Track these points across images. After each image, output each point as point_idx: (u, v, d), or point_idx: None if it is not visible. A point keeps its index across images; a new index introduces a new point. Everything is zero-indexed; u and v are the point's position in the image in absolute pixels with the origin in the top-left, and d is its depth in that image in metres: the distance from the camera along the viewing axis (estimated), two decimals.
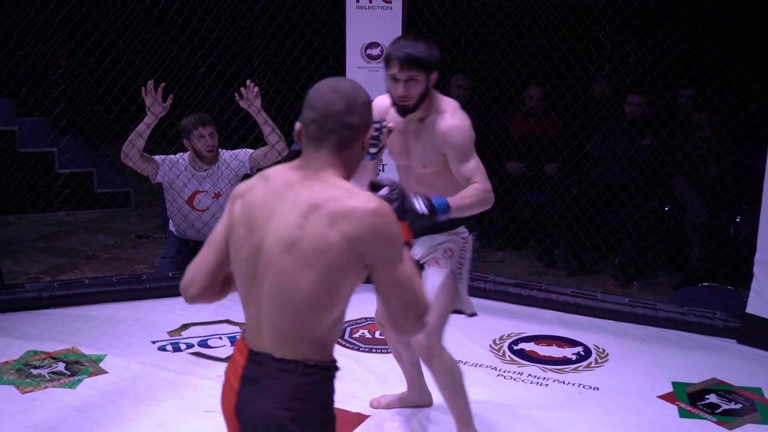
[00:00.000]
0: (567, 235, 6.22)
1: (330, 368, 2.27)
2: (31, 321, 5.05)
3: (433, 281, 3.56)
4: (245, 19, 6.23)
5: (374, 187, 2.47)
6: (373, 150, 2.90)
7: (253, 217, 2.23)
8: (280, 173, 2.26)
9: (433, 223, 3.16)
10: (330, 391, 2.27)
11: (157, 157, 5.48)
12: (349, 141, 2.25)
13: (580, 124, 6.49)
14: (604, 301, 5.32)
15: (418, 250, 3.59)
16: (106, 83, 6.02)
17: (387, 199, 2.38)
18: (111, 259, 6.59)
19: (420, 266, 3.58)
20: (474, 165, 3.40)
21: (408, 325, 2.25)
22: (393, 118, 3.43)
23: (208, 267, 2.37)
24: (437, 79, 3.42)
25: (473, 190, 3.35)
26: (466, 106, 6.67)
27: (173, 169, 5.47)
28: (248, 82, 5.37)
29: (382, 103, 3.52)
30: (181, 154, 5.56)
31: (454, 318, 5.24)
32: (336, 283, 2.17)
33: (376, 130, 2.96)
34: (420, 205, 3.08)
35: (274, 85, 6.00)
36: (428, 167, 3.48)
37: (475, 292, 5.53)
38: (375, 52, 5.58)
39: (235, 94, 5.38)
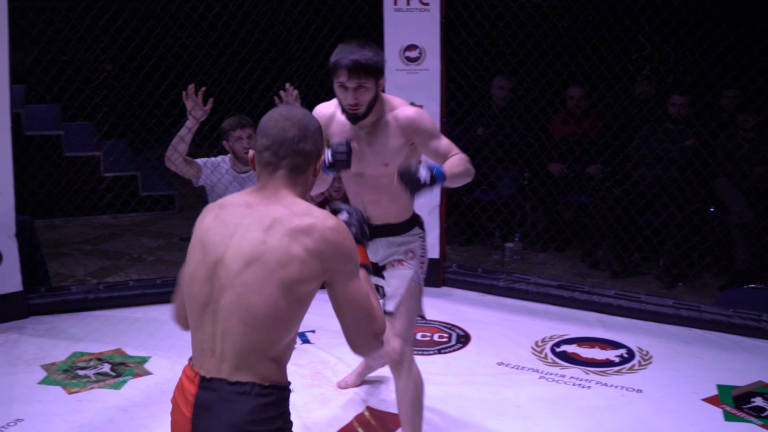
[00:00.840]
0: (610, 237, 6.18)
1: (284, 388, 2.26)
2: (77, 323, 5.13)
3: (399, 282, 3.51)
4: (284, 23, 6.26)
5: (332, 212, 2.48)
6: (343, 168, 3.15)
7: (209, 238, 2.25)
8: (238, 198, 2.31)
9: (431, 191, 3.22)
10: (285, 411, 2.26)
11: (199, 161, 5.52)
12: (303, 166, 2.31)
13: (621, 124, 6.45)
14: (648, 302, 5.29)
15: (376, 253, 3.55)
16: (148, 87, 6.08)
17: (345, 224, 2.38)
18: (156, 262, 6.66)
19: (379, 270, 3.55)
20: (447, 141, 3.41)
21: (363, 342, 2.30)
22: (340, 126, 3.41)
23: (184, 311, 2.36)
24: (384, 83, 3.37)
25: (458, 159, 3.33)
26: (507, 107, 6.74)
27: (215, 171, 5.51)
28: (287, 85, 5.40)
29: (325, 111, 3.48)
30: (222, 156, 5.61)
31: (496, 319, 5.30)
32: (297, 297, 2.19)
33: (343, 152, 3.18)
34: (424, 174, 3.11)
35: (312, 89, 6.03)
36: (390, 164, 3.38)
37: (517, 293, 5.58)
38: (413, 54, 5.59)
39: (275, 97, 5.40)
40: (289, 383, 2.28)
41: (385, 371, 4.26)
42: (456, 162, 3.31)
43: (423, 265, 3.59)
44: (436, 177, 3.14)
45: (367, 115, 3.30)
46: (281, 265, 2.16)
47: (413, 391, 3.49)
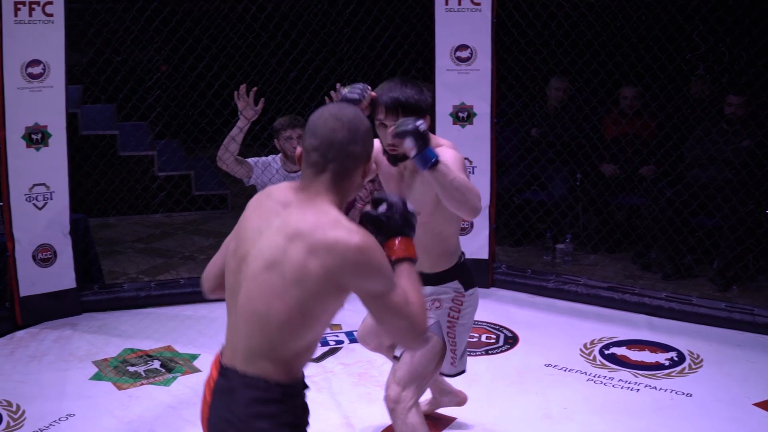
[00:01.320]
0: (662, 238, 6.10)
1: (293, 387, 2.22)
2: (129, 320, 5.21)
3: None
4: (335, 24, 6.29)
5: (375, 202, 2.37)
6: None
7: (245, 231, 2.25)
8: (281, 192, 2.27)
9: (421, 153, 2.89)
10: (294, 408, 2.23)
11: (250, 160, 5.57)
12: (350, 170, 2.24)
13: (674, 124, 6.36)
14: (700, 305, 5.22)
15: None
16: (201, 88, 6.15)
17: (385, 216, 2.30)
18: (207, 260, 6.65)
19: None
20: (466, 178, 3.08)
21: (405, 344, 2.29)
22: (384, 164, 3.25)
23: (216, 269, 2.42)
24: (429, 124, 3.10)
25: (466, 180, 3.03)
26: (559, 108, 6.69)
27: (266, 171, 5.56)
28: (338, 85, 5.41)
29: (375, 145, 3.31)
30: (273, 156, 5.65)
31: (544, 321, 5.27)
32: (311, 311, 2.15)
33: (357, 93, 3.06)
34: (421, 125, 2.88)
35: None
36: (424, 215, 3.11)
37: (566, 295, 5.54)
38: (464, 54, 5.57)
39: (326, 97, 5.42)
40: (303, 383, 2.26)
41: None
42: (460, 178, 2.98)
43: (452, 321, 3.34)
44: (429, 152, 2.88)
45: (406, 157, 3.06)
46: (297, 280, 2.12)
47: None
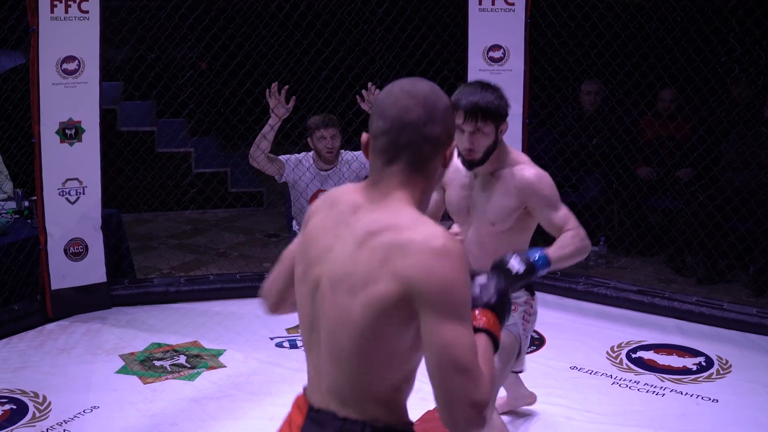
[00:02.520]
0: (695, 242, 6.03)
1: (404, 429, 1.90)
2: (158, 314, 5.26)
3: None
4: (368, 23, 6.30)
5: (471, 275, 1.98)
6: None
7: (312, 248, 1.91)
8: (347, 195, 1.92)
9: (532, 280, 2.87)
10: None
11: (282, 157, 5.60)
12: (428, 157, 1.87)
13: (709, 127, 6.29)
14: (730, 310, 5.14)
15: None
16: (233, 85, 6.20)
17: (480, 288, 1.96)
18: (239, 257, 6.77)
19: None
20: (565, 212, 3.12)
21: (454, 412, 1.73)
22: (455, 169, 3.21)
23: (278, 286, 2.14)
24: (507, 129, 3.12)
25: (570, 238, 3.03)
26: (596, 112, 6.64)
27: (297, 168, 5.58)
28: (370, 84, 5.43)
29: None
30: (305, 153, 5.68)
31: (572, 323, 5.23)
32: (383, 330, 1.79)
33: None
34: (516, 266, 2.76)
35: None
36: (497, 224, 3.17)
37: (595, 297, 5.50)
38: (497, 54, 5.55)
39: (357, 96, 5.45)
40: (411, 424, 1.93)
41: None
42: (567, 241, 3.01)
43: (524, 324, 3.32)
44: (537, 266, 2.80)
45: (483, 162, 3.08)
46: (365, 285, 1.77)
47: None
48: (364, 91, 5.44)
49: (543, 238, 3.33)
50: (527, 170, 3.14)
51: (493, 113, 3.01)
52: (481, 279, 1.99)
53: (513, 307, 3.08)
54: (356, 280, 1.79)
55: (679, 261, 6.36)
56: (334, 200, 1.93)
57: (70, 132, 5.07)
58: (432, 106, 1.85)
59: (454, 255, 1.76)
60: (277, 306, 2.17)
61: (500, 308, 1.95)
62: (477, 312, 1.91)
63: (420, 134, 1.84)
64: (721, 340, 4.91)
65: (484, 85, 3.07)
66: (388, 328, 1.78)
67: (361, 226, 1.83)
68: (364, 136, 1.92)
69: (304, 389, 2.00)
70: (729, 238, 5.91)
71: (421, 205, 1.89)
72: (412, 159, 1.85)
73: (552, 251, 2.92)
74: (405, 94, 1.85)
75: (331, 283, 1.83)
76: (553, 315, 5.31)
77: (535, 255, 2.85)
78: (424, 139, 1.85)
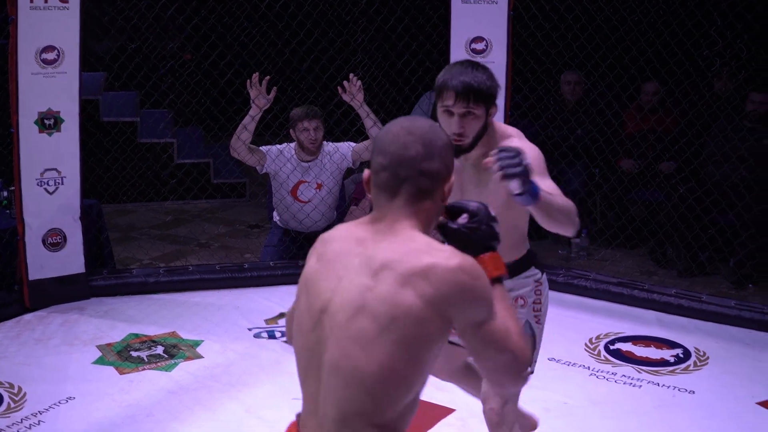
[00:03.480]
0: (676, 235, 6.04)
1: None
2: (136, 305, 5.24)
3: None
4: (350, 14, 6.28)
5: (451, 212, 2.07)
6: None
7: (314, 285, 1.95)
8: (346, 232, 2.00)
9: (518, 189, 2.55)
10: None
11: (263, 148, 5.60)
12: (428, 190, 1.95)
13: (691, 120, 6.29)
14: (709, 303, 5.16)
15: None
16: (214, 76, 6.18)
17: (468, 228, 2.01)
18: (221, 248, 6.76)
19: None
20: (553, 184, 2.82)
21: (508, 382, 1.96)
22: None
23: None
24: (496, 112, 2.91)
25: (561, 197, 2.75)
26: (576, 103, 6.63)
27: (278, 158, 5.58)
28: (351, 75, 5.43)
29: None
30: (287, 144, 5.67)
31: (551, 314, 5.19)
32: (416, 355, 1.85)
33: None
34: (515, 186, 2.51)
35: (377, 79, 6.04)
36: (496, 208, 2.79)
37: (575, 289, 5.51)
38: (480, 46, 5.54)
39: (339, 87, 5.44)
40: None
41: None
42: (558, 198, 2.73)
43: (538, 314, 3.17)
44: (533, 187, 2.55)
45: (472, 147, 2.84)
46: (394, 318, 1.82)
47: None
48: (345, 83, 5.43)
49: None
50: (513, 143, 2.83)
51: (486, 95, 2.79)
52: (463, 219, 2.04)
53: (522, 302, 3.08)
54: (380, 310, 1.84)
55: (660, 253, 6.37)
56: (326, 240, 2.02)
57: (49, 122, 5.04)
58: (430, 143, 1.96)
59: (474, 267, 1.89)
60: None
61: (495, 240, 2.05)
62: (485, 259, 2.00)
63: (419, 169, 1.94)
64: (700, 332, 4.93)
65: (474, 65, 2.85)
66: (419, 351, 1.86)
67: (373, 255, 1.89)
68: (366, 172, 2.00)
69: (298, 417, 2.02)
70: (709, 230, 5.92)
71: (428, 232, 1.98)
72: (413, 192, 1.94)
73: (542, 192, 2.62)
74: (404, 131, 1.97)
75: (347, 311, 1.87)
76: None
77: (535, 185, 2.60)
78: (423, 174, 1.94)
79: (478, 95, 2.77)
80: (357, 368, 1.84)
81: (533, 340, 3.16)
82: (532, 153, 2.78)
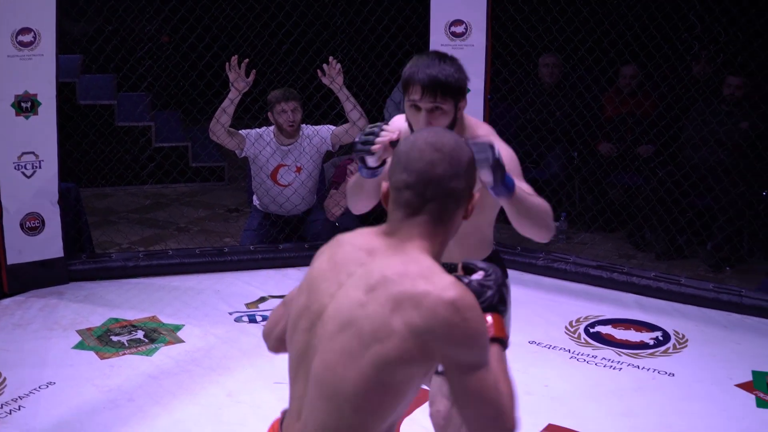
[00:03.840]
0: (655, 218, 6.08)
1: None
2: (116, 290, 5.21)
3: None
4: None
5: (467, 270, 1.99)
6: (372, 162, 2.60)
7: (319, 283, 1.90)
8: (361, 238, 1.93)
9: (489, 178, 2.47)
10: None
11: (242, 131, 5.57)
12: (452, 211, 1.90)
13: (670, 104, 6.31)
14: (688, 286, 5.19)
15: None
16: (192, 59, 6.14)
17: (480, 286, 1.92)
18: (201, 232, 6.73)
19: None
20: (529, 187, 2.71)
21: None
22: None
23: (279, 330, 2.09)
24: (465, 106, 2.78)
25: (538, 198, 2.69)
26: (553, 85, 6.64)
27: (258, 142, 5.56)
28: (330, 59, 5.40)
29: (399, 125, 2.80)
30: (266, 127, 5.65)
31: (531, 298, 5.25)
32: (392, 384, 1.79)
33: (369, 134, 2.61)
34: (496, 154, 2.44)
35: (356, 62, 6.01)
36: None
37: (555, 273, 5.54)
38: (459, 29, 5.53)
39: (318, 70, 5.41)
40: None
41: None
42: (534, 198, 2.66)
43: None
44: (507, 178, 2.49)
45: None
46: (375, 340, 1.76)
47: None
48: (325, 66, 5.41)
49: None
50: (483, 140, 2.64)
51: (454, 89, 2.66)
52: (478, 276, 1.95)
53: None
54: (366, 328, 1.77)
55: (638, 236, 6.40)
56: (340, 242, 1.95)
57: (26, 105, 4.99)
58: (458, 161, 1.89)
59: (471, 305, 1.78)
60: (278, 348, 2.13)
61: (502, 305, 1.95)
62: (488, 319, 1.89)
63: (446, 189, 1.87)
64: (679, 315, 4.96)
65: (441, 56, 2.72)
66: (396, 378, 1.78)
67: (376, 269, 1.82)
68: (384, 186, 1.93)
69: (283, 414, 1.98)
70: (687, 214, 5.96)
71: (438, 256, 1.90)
72: (437, 212, 1.88)
73: (518, 185, 2.57)
74: (430, 147, 1.88)
75: (337, 322, 1.82)
76: (512, 290, 5.23)
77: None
78: (449, 194, 1.87)
79: (446, 90, 2.65)
80: (337, 384, 1.79)
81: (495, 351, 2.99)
82: (506, 153, 2.67)
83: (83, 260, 5.40)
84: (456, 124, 2.73)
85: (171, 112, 8.12)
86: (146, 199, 7.58)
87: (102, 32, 6.56)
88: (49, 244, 5.16)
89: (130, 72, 6.87)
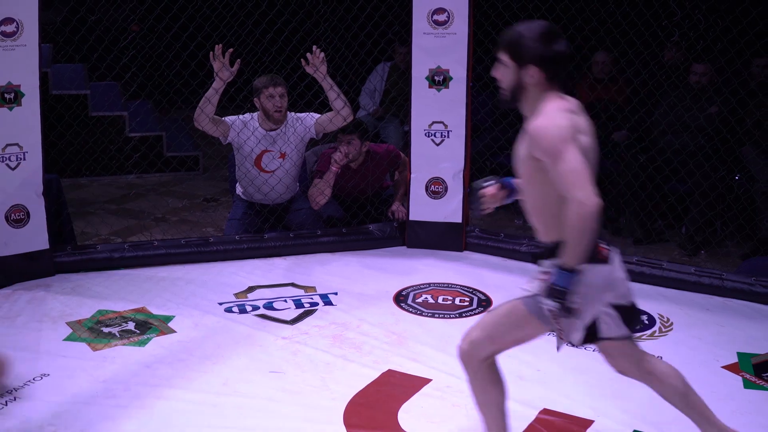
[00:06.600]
0: (633, 204, 6.16)
1: None
2: (103, 281, 5.19)
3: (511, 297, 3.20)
4: None
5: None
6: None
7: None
8: None
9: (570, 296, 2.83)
10: None
11: (227, 119, 5.57)
12: None
13: (648, 91, 6.40)
14: (670, 270, 5.28)
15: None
16: (176, 48, 6.10)
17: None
18: (179, 222, 6.71)
19: None
20: (568, 169, 2.76)
21: None
22: None
23: None
24: (536, 75, 2.91)
25: (568, 219, 2.76)
26: None
27: (244, 129, 5.55)
28: (314, 47, 5.41)
29: None
30: (251, 114, 5.65)
31: (517, 284, 5.24)
32: None
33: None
34: (548, 304, 2.84)
35: (340, 51, 6.01)
36: (520, 174, 3.02)
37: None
38: (441, 17, 5.56)
39: (302, 59, 5.42)
40: None
41: None
42: (568, 228, 2.77)
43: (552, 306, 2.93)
44: (565, 287, 2.80)
45: (510, 100, 2.99)
46: None
47: (478, 395, 3.25)
48: (308, 54, 5.41)
49: None
50: (538, 118, 2.86)
51: (507, 43, 2.95)
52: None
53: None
54: None
55: (616, 222, 6.49)
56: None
57: (9, 96, 4.94)
58: None
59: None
60: None
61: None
62: None
63: None
64: (662, 299, 5.04)
65: (525, 22, 2.99)
66: None
67: None
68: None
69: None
70: (669, 199, 6.04)
71: None
72: None
73: (565, 255, 2.80)
74: None
75: None
76: (498, 276, 5.40)
77: (556, 277, 2.83)
78: None
79: (504, 43, 3.04)
80: None
81: (528, 318, 3.15)
82: (542, 131, 2.81)
83: (69, 252, 5.36)
84: (522, 88, 2.96)
85: (143, 102, 8.09)
86: (123, 190, 7.55)
87: (69, 21, 6.50)
88: (35, 237, 5.12)
89: (99, 61, 6.81)
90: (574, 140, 2.82)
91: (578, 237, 2.77)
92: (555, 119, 2.84)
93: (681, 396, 3.22)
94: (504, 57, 2.96)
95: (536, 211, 3.03)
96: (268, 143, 5.60)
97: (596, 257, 2.91)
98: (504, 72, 2.99)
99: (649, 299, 5.02)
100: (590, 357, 4.32)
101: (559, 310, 2.85)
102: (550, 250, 2.97)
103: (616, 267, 3.02)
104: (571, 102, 2.99)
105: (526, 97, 2.97)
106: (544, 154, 2.82)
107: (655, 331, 4.64)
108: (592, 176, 2.81)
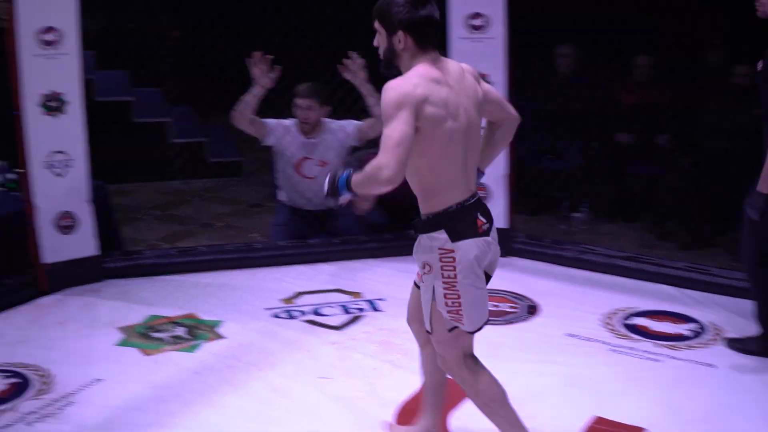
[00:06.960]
0: (679, 208, 6.11)
1: None
2: (150, 287, 5.23)
3: (423, 301, 3.12)
4: None
5: None
6: None
7: None
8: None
9: (338, 203, 3.01)
10: None
11: (267, 121, 5.56)
12: None
13: (689, 93, 6.35)
14: (719, 276, 5.20)
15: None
16: (215, 54, 6.13)
17: None
18: (225, 227, 6.74)
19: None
20: (388, 131, 2.80)
21: None
22: None
23: None
24: (402, 39, 2.92)
25: (366, 168, 2.83)
26: (572, 76, 6.65)
27: (285, 136, 5.56)
28: (353, 54, 5.40)
29: None
30: (292, 119, 5.65)
31: (563, 290, 5.26)
32: None
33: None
34: (325, 184, 2.94)
35: (377, 57, 5.99)
36: None
37: (584, 264, 5.54)
38: (478, 22, 5.54)
39: (340, 66, 5.41)
40: None
41: None
42: (362, 173, 2.86)
43: (449, 282, 2.98)
44: (339, 185, 2.92)
45: (385, 66, 3.01)
46: None
47: (472, 398, 3.21)
48: (347, 61, 5.41)
49: None
50: (391, 81, 2.89)
51: (377, 11, 2.96)
52: None
53: (428, 269, 3.00)
54: None
55: (661, 227, 6.43)
56: None
57: (53, 104, 4.98)
58: None
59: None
60: None
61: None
62: None
63: None
64: (713, 306, 4.97)
65: None
66: None
67: None
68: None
69: None
70: (717, 203, 5.97)
71: None
72: None
73: (356, 174, 2.89)
74: None
75: None
76: (544, 282, 5.36)
77: (342, 176, 2.93)
78: None
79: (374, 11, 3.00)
80: None
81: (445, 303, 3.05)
82: (385, 93, 2.83)
83: (117, 258, 5.41)
84: (394, 54, 2.98)
85: (186, 108, 8.15)
86: (167, 196, 7.59)
87: (110, 29, 6.55)
88: (84, 243, 5.17)
89: (141, 68, 6.86)
90: (414, 108, 2.81)
91: (364, 182, 2.86)
92: (401, 84, 2.84)
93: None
94: (376, 24, 2.98)
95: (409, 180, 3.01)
96: (307, 151, 5.60)
97: (474, 231, 3.00)
98: (378, 39, 3.00)
99: (698, 306, 4.97)
100: (639, 365, 4.30)
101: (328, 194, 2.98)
102: (421, 224, 3.03)
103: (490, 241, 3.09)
104: (443, 70, 2.97)
105: (401, 63, 2.98)
106: (382, 115, 2.85)
107: (706, 339, 4.57)
108: (421, 155, 2.89)
